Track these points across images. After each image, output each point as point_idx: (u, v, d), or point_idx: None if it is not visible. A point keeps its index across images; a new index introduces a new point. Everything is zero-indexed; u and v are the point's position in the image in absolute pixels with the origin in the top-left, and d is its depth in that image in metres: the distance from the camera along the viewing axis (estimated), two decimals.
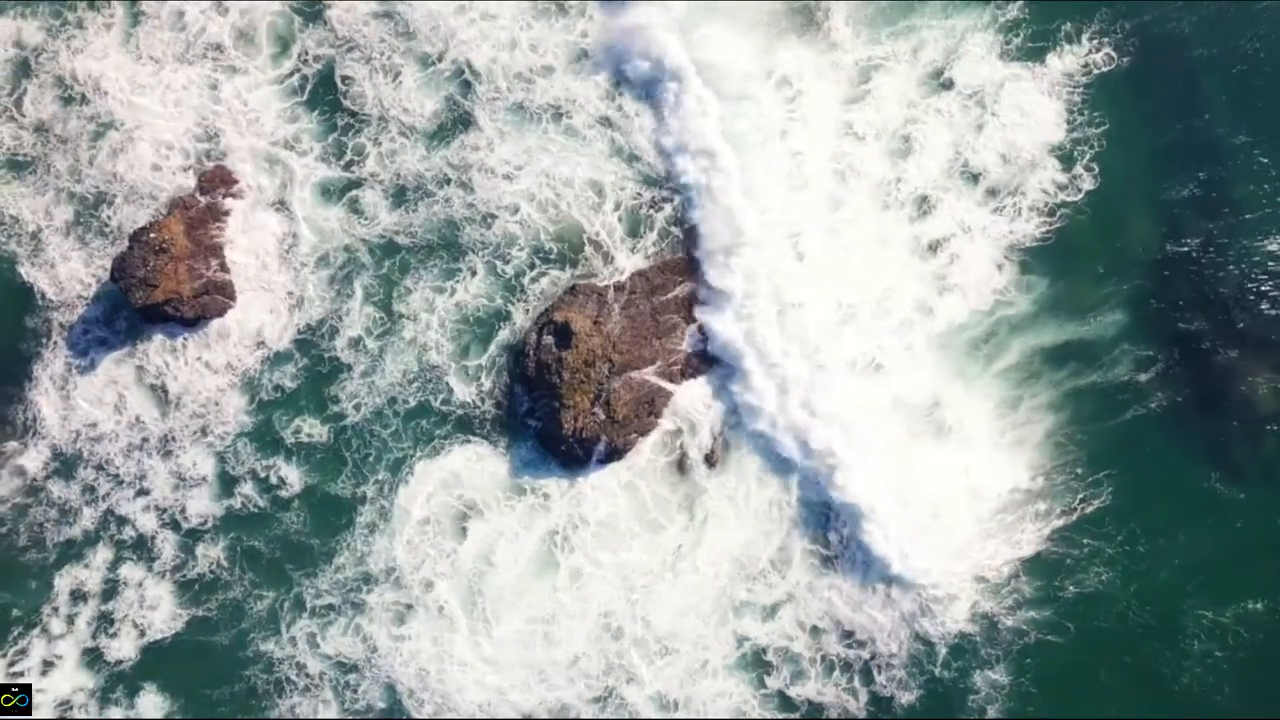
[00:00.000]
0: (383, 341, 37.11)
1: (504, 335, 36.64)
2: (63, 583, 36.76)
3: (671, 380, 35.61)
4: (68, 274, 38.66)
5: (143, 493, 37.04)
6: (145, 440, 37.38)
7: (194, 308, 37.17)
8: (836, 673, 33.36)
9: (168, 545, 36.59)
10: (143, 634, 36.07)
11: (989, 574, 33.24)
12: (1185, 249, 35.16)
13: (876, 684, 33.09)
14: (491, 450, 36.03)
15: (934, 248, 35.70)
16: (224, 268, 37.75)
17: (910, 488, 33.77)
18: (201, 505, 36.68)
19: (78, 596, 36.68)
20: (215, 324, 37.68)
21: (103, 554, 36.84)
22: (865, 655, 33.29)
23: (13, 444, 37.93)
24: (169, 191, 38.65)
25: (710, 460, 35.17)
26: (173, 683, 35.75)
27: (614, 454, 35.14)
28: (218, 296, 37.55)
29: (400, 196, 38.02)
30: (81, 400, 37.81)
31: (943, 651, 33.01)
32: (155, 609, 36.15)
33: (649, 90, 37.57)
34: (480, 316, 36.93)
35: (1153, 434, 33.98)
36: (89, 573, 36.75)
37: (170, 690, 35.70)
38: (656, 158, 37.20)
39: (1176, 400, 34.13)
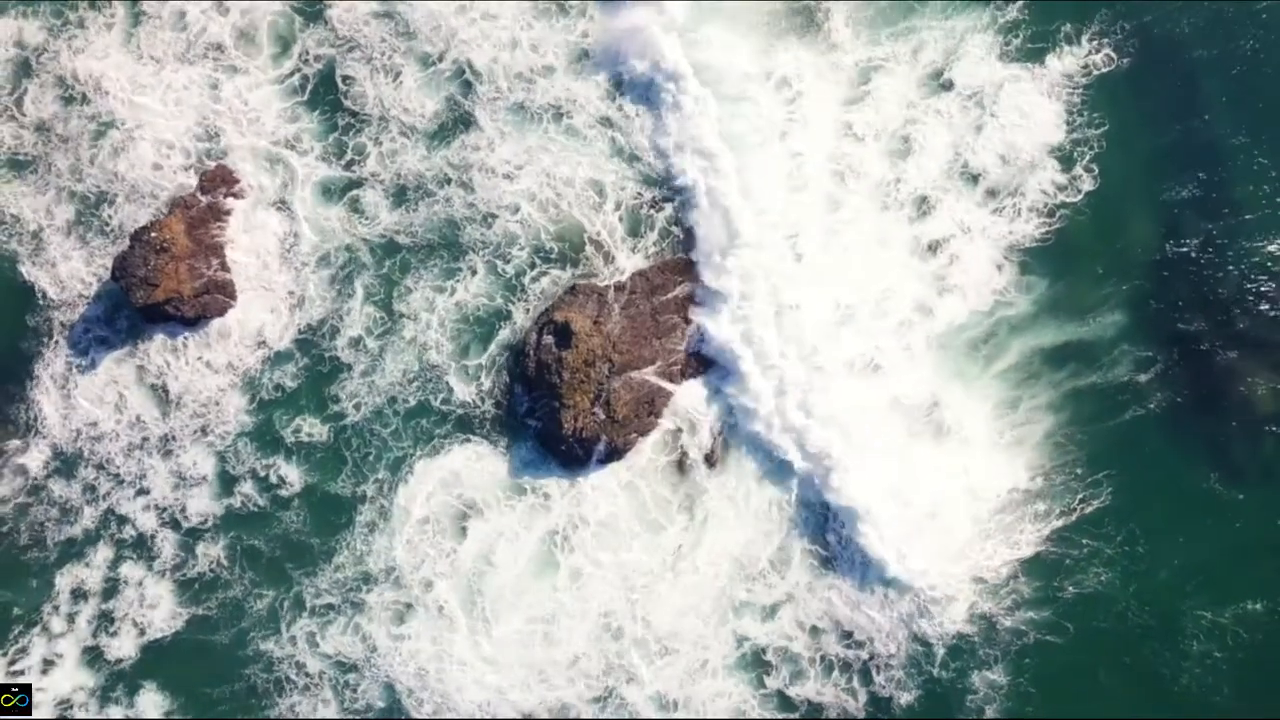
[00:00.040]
0: (383, 341, 37.14)
1: (504, 335, 36.67)
2: (63, 581, 36.76)
3: (671, 380, 35.61)
4: (69, 273, 38.73)
5: (143, 492, 37.07)
6: (146, 439, 37.42)
7: (195, 307, 37.21)
8: (835, 673, 33.34)
9: (168, 544, 36.61)
10: (143, 633, 36.07)
11: (988, 574, 33.18)
12: (1185, 249, 35.16)
13: (875, 684, 33.05)
14: (491, 450, 36.04)
15: (933, 248, 35.71)
16: (225, 267, 37.78)
17: (909, 488, 33.73)
18: (202, 504, 36.70)
19: (78, 595, 36.69)
20: (216, 323, 37.73)
21: (103, 553, 36.85)
22: (864, 655, 33.25)
23: (14, 443, 37.98)
24: (170, 191, 38.73)
25: (710, 460, 35.17)
26: (173, 681, 35.73)
27: (614, 454, 35.14)
28: (218, 296, 37.59)
29: (401, 196, 38.08)
30: (82, 399, 37.85)
31: (941, 652, 32.96)
32: (155, 608, 36.15)
33: (648, 91, 37.65)
34: (480, 316, 36.97)
35: (1152, 434, 33.94)
36: (89, 571, 36.77)
37: (170, 689, 35.68)
38: (657, 158, 37.28)
39: (1176, 401, 34.10)
